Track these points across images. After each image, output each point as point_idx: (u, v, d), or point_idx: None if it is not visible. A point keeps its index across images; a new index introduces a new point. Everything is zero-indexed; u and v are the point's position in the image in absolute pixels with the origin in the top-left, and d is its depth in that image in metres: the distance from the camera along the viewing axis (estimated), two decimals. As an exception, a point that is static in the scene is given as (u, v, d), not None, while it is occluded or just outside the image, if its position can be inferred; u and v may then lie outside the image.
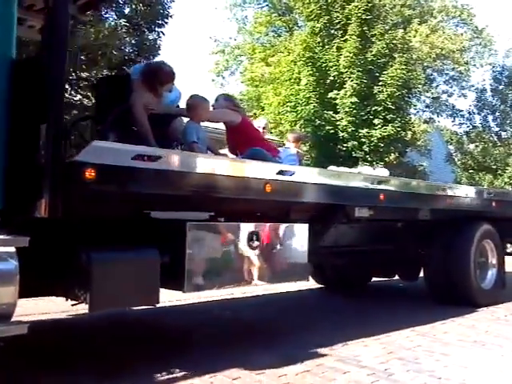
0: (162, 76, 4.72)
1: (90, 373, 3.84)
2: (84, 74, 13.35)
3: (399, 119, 19.64)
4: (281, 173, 4.42)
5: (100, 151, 3.49)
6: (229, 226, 4.22)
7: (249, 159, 4.57)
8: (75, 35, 12.58)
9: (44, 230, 3.50)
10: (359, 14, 19.12)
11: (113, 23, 14.52)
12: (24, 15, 4.89)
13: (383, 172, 6.77)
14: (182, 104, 5.14)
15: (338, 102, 19.28)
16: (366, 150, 19.20)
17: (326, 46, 19.70)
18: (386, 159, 19.67)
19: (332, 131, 19.27)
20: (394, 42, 19.81)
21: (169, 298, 5.24)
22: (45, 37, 3.46)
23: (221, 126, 5.55)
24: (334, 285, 8.08)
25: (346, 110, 19.10)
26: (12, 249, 3.21)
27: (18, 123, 3.37)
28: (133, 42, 15.24)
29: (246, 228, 4.29)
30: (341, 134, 19.28)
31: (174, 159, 3.85)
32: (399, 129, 19.59)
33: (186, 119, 4.99)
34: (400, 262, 7.21)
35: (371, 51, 19.30)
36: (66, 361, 4.16)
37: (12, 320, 3.26)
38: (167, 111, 4.92)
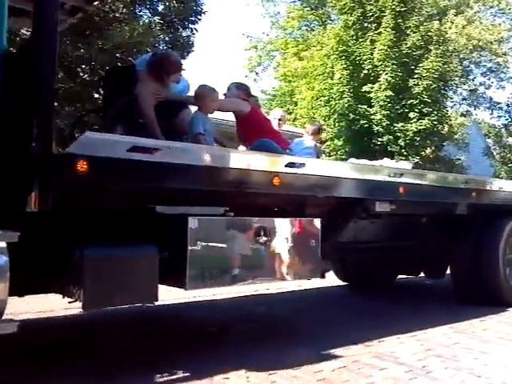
0: (168, 66, 4.52)
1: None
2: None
3: (435, 112, 19.01)
4: (290, 165, 4.14)
5: (93, 143, 3.29)
6: (234, 220, 3.97)
7: (256, 151, 4.31)
8: (110, 33, 12.65)
9: (36, 225, 3.33)
10: (393, 6, 18.56)
11: (147, 21, 14.47)
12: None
13: (406, 165, 6.40)
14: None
15: (372, 95, 18.79)
16: (402, 144, 18.66)
17: (360, 40, 19.20)
18: (422, 153, 19.10)
19: (366, 125, 18.80)
20: (430, 33, 19.15)
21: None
22: (34, 26, 3.27)
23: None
24: (358, 282, 7.72)
25: (381, 103, 18.59)
26: (2, 244, 3.06)
27: (8, 115, 3.21)
28: (167, 39, 15.19)
29: (254, 223, 4.04)
30: (375, 129, 18.79)
31: (173, 151, 3.62)
32: (435, 122, 18.97)
33: (194, 110, 4.77)
34: (425, 259, 6.82)
35: (406, 44, 18.73)
36: (75, 360, 4.01)
37: (3, 318, 3.12)
38: (174, 98, 4.69)
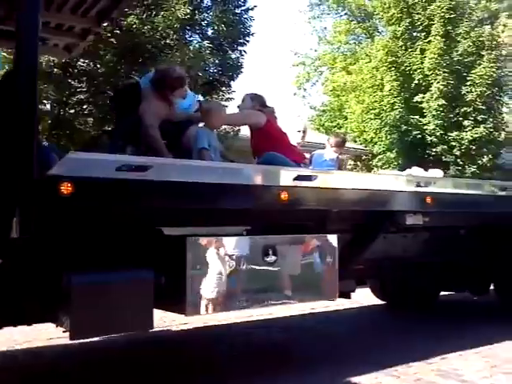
0: (171, 81, 4.28)
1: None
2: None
3: (491, 119, 18.08)
4: (300, 178, 3.78)
5: (78, 163, 3.07)
6: (237, 240, 3.64)
7: (263, 165, 3.98)
8: (163, 60, 12.75)
9: (22, 251, 3.13)
10: (442, 14, 17.84)
11: (197, 45, 14.54)
12: (48, 34, 4.67)
13: (437, 173, 5.86)
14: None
15: (424, 105, 18.07)
16: (457, 153, 17.81)
17: (409, 49, 18.56)
18: (479, 162, 18.14)
19: (419, 136, 18.10)
20: (481, 39, 18.21)
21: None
22: (16, 54, 3.09)
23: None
24: (397, 300, 7.12)
25: (434, 113, 17.85)
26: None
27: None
28: (216, 61, 15.21)
29: (261, 242, 3.70)
30: (429, 139, 18.04)
31: (166, 168, 3.36)
32: (491, 129, 18.02)
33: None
34: (467, 274, 6.21)
35: (457, 51, 17.94)
36: None
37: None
38: (180, 118, 4.45)
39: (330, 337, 5.56)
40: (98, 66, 12.08)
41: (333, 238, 3.99)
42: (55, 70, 11.79)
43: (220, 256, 3.52)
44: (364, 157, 20.21)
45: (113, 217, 3.29)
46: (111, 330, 3.29)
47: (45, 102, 12.08)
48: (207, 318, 5.35)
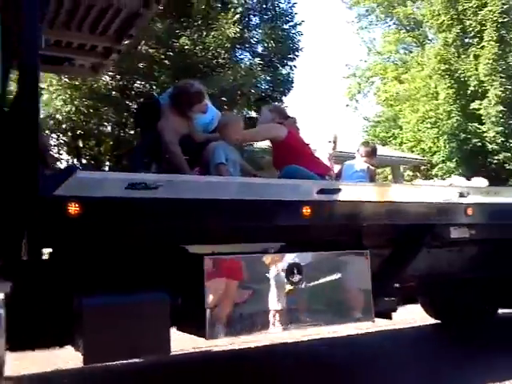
0: (188, 97, 4.11)
1: None
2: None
3: (555, 123, 17.04)
4: (323, 192, 3.49)
5: (86, 183, 2.93)
6: (259, 258, 3.37)
7: (283, 179, 3.72)
8: (215, 79, 12.82)
9: (33, 274, 3.01)
10: (495, 18, 17.06)
11: (248, 63, 14.55)
12: (72, 54, 4.65)
13: (481, 182, 5.37)
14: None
15: (482, 112, 17.27)
16: (521, 160, 16.91)
17: (462, 56, 17.84)
18: (547, 168, 17.12)
19: (479, 144, 17.30)
20: (538, 41, 17.31)
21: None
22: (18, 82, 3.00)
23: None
24: (450, 319, 6.56)
25: (493, 119, 17.04)
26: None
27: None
28: (267, 78, 15.16)
29: (284, 260, 3.42)
30: (490, 147, 17.23)
31: (177, 185, 3.15)
32: (556, 134, 16.98)
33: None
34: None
35: (513, 55, 17.09)
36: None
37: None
38: (200, 140, 4.25)
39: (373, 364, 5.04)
40: (154, 87, 12.24)
41: (363, 255, 3.65)
42: (113, 92, 12.06)
43: (240, 275, 3.29)
44: (423, 167, 19.52)
45: (124, 236, 3.12)
46: (126, 354, 3.10)
47: (105, 124, 12.36)
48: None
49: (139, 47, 12.17)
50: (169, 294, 3.08)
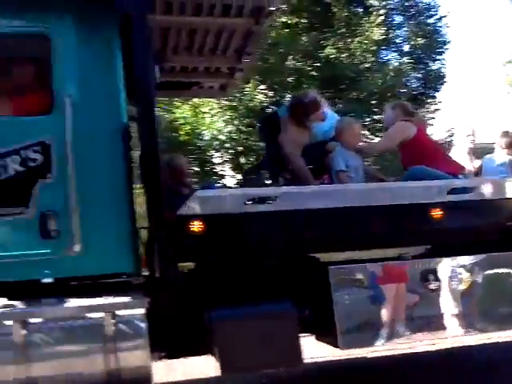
0: (304, 107, 4.01)
1: None
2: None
3: None
4: (455, 192, 3.14)
5: (206, 200, 3.01)
6: (385, 266, 3.15)
7: (407, 181, 3.41)
8: (363, 83, 12.60)
9: (167, 290, 3.15)
10: None
11: (396, 63, 14.08)
12: (199, 78, 4.86)
13: None
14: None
15: None
16: None
17: None
18: None
19: None
20: None
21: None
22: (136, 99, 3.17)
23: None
24: None
25: None
26: (141, 310, 2.97)
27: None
28: (418, 76, 14.52)
29: (415, 266, 3.15)
30: None
31: (293, 196, 3.07)
32: None
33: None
34: None
35: None
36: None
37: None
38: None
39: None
40: (303, 98, 12.28)
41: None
42: (268, 109, 12.40)
43: (368, 284, 3.10)
44: None
45: (247, 250, 3.14)
46: (259, 365, 3.08)
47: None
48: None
49: (287, 62, 12.45)
50: (295, 305, 3.01)
